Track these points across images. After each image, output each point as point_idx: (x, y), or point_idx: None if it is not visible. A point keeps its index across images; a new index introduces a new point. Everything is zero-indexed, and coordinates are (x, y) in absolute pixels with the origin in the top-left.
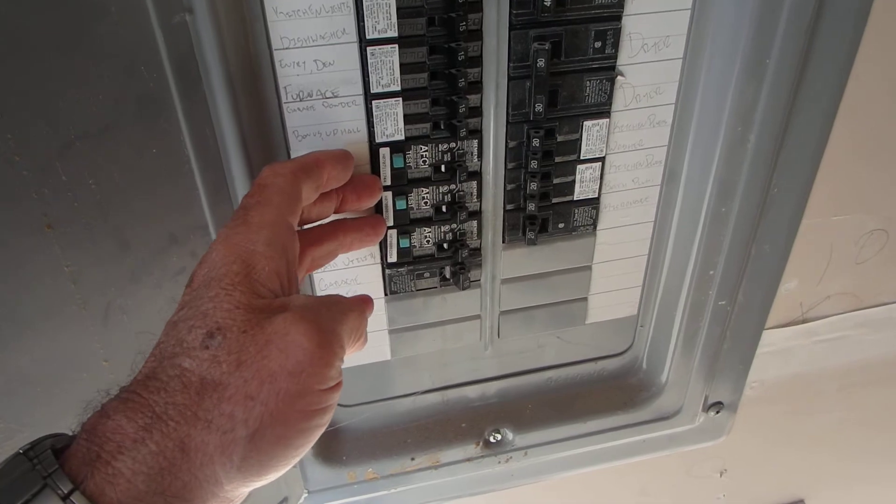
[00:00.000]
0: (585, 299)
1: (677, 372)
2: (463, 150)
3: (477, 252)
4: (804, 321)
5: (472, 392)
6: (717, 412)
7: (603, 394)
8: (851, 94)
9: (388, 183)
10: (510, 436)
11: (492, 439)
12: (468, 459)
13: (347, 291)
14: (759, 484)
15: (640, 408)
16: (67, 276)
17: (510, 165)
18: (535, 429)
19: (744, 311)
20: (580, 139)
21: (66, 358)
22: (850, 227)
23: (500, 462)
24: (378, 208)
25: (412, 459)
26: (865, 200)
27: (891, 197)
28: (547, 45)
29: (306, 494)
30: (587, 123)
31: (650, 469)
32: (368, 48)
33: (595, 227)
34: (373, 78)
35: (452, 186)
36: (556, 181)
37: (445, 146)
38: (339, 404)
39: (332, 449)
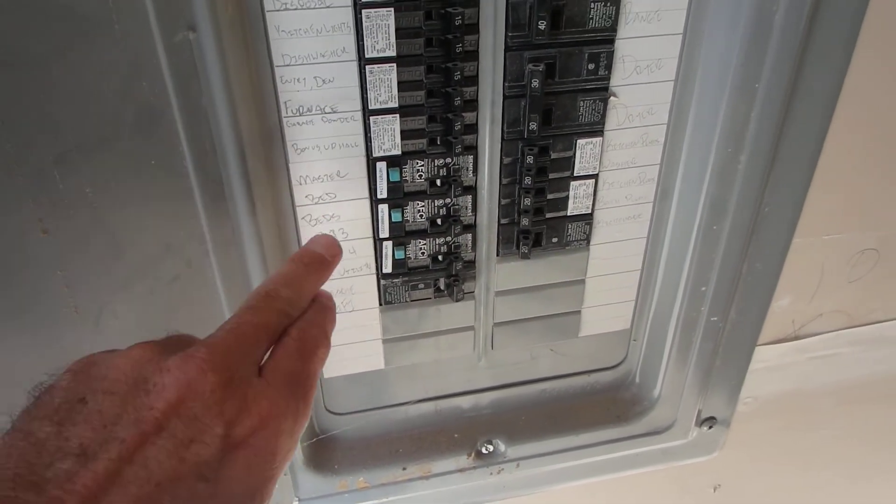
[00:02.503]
0: (579, 312)
1: (670, 386)
2: (458, 165)
3: (471, 264)
4: (797, 338)
5: (465, 402)
6: (710, 427)
7: (596, 407)
8: (841, 115)
9: (385, 196)
10: (502, 447)
11: (484, 450)
12: (460, 470)
13: (343, 301)
14: (752, 499)
15: (633, 421)
16: (61, 279)
17: (505, 181)
18: (528, 440)
19: (736, 328)
20: (574, 157)
21: (58, 359)
22: (841, 245)
23: (491, 473)
24: (374, 220)
25: (404, 469)
26: (857, 220)
27: (881, 217)
28: (541, 67)
29: (296, 502)
30: (581, 142)
31: (643, 483)
32: (367, 66)
33: (588, 242)
34: (371, 95)
35: (447, 200)
36: (549, 197)
37: (441, 161)
38: (332, 412)
39: (324, 457)
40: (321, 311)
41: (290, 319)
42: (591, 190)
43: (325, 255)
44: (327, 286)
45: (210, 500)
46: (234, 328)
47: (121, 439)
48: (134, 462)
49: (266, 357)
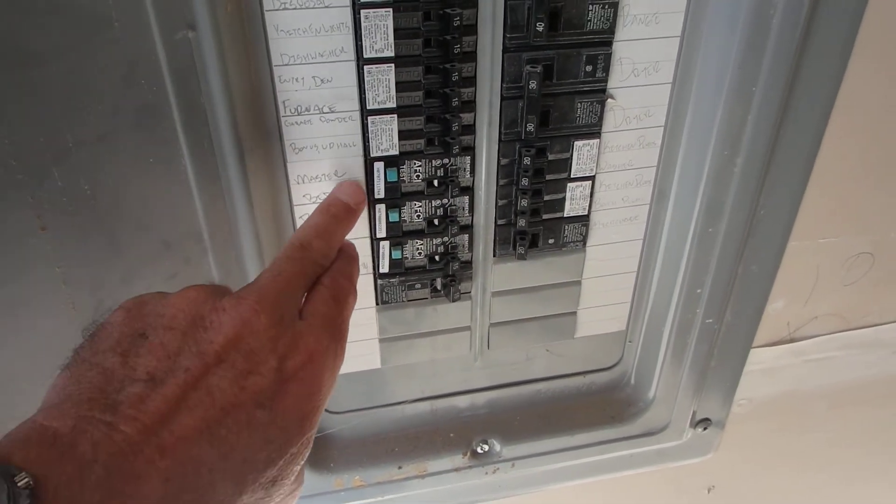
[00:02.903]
0: (575, 313)
1: (665, 387)
2: (456, 165)
3: (468, 265)
4: (791, 340)
5: (460, 402)
6: (705, 428)
7: (591, 407)
8: (837, 120)
9: (382, 196)
10: (498, 447)
11: (479, 450)
12: (455, 469)
13: None
14: (746, 501)
15: (628, 422)
16: (58, 276)
17: (502, 182)
18: (523, 440)
19: (731, 330)
20: (571, 158)
21: (57, 355)
22: (836, 249)
23: (487, 473)
24: (371, 220)
25: (399, 468)
26: (852, 224)
27: (876, 221)
28: (539, 68)
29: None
30: (578, 143)
31: (638, 484)
32: (365, 66)
33: (585, 244)
34: (369, 95)
35: (445, 201)
36: (546, 198)
37: (439, 162)
38: (328, 411)
39: (320, 456)
40: (348, 262)
41: (322, 269)
42: (587, 191)
43: (351, 205)
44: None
45: (267, 425)
46: (275, 276)
47: (185, 368)
48: (199, 388)
49: (303, 303)
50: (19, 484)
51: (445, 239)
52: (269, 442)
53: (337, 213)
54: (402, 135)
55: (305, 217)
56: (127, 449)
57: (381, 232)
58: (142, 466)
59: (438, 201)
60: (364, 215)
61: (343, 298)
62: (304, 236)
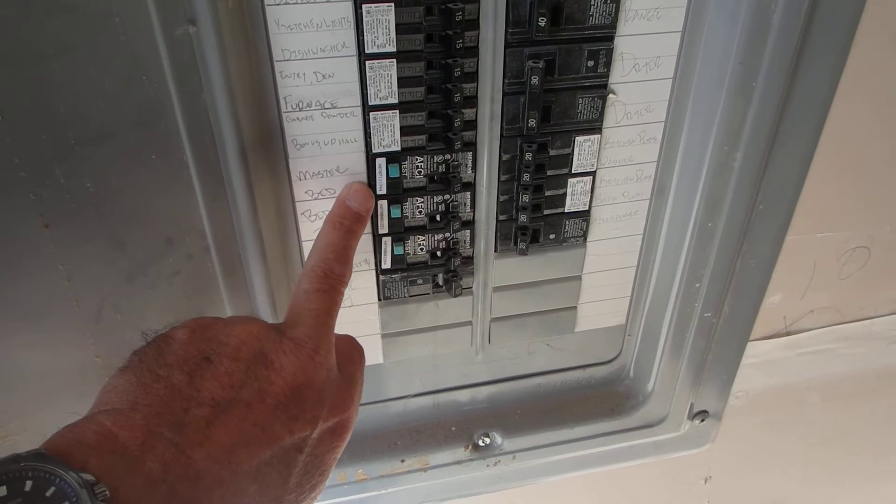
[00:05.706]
0: (575, 308)
1: (663, 380)
2: (457, 161)
3: (469, 260)
4: (788, 334)
5: (462, 396)
6: (702, 420)
7: (591, 401)
8: (835, 117)
9: (384, 192)
10: (499, 440)
11: (481, 443)
12: (457, 462)
13: None
14: (743, 492)
15: (627, 415)
16: (62, 273)
17: (503, 177)
18: (524, 433)
19: (729, 323)
20: (572, 154)
21: (59, 353)
22: (832, 243)
23: (488, 465)
24: (374, 216)
25: (402, 461)
26: (848, 219)
27: (872, 216)
28: (541, 63)
29: None
30: (579, 139)
31: (636, 475)
32: (367, 62)
33: (585, 239)
34: (371, 90)
35: (446, 196)
36: (547, 194)
37: (440, 157)
38: None
39: None
40: None
41: (343, 294)
42: (588, 187)
43: (361, 212)
44: None
45: (300, 470)
46: (316, 318)
47: (246, 402)
48: (256, 425)
49: (337, 351)
50: (98, 494)
51: (447, 235)
52: (298, 485)
53: (351, 227)
54: (404, 131)
55: (307, 214)
56: (192, 474)
57: (383, 228)
58: (201, 493)
59: (440, 197)
60: None
61: (361, 355)
62: (325, 261)
